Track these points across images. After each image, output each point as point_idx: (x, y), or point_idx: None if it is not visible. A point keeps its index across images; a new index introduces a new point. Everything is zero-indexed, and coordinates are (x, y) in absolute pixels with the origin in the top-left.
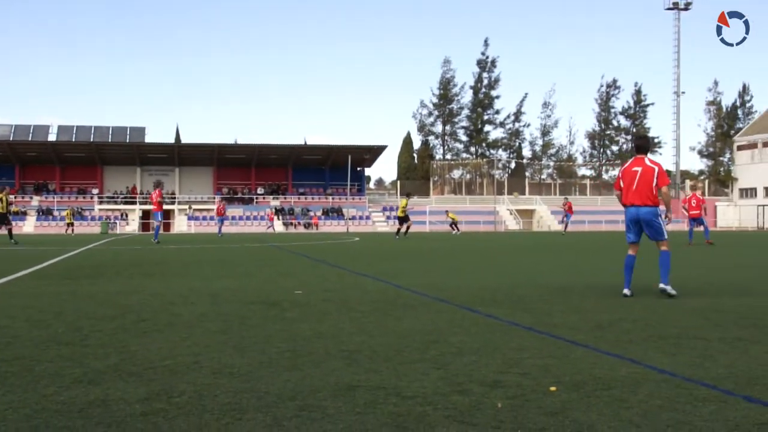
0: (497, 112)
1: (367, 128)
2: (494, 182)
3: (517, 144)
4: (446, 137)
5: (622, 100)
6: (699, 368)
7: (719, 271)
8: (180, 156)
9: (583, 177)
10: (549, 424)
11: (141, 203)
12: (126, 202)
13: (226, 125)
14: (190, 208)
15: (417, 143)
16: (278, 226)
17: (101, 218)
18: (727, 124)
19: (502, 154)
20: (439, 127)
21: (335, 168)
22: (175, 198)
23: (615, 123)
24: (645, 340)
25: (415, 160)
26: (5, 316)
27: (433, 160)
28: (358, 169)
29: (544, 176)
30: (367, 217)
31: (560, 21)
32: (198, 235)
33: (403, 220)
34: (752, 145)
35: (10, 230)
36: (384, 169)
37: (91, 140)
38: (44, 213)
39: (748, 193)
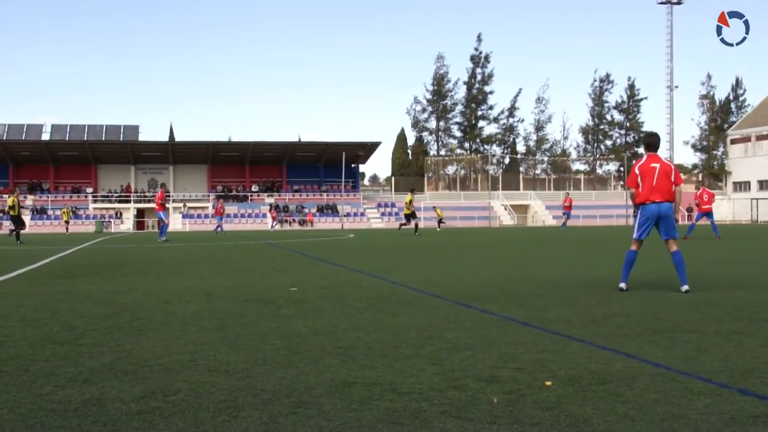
0: (491, 107)
1: (361, 125)
2: (488, 178)
3: (511, 139)
4: (440, 133)
5: (615, 95)
6: (694, 362)
7: (713, 265)
8: (174, 154)
9: (577, 172)
10: (545, 419)
11: (135, 202)
12: (120, 201)
13: (220, 123)
14: (184, 206)
15: (411, 139)
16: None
17: (95, 217)
18: (721, 117)
19: (496, 150)
20: (433, 123)
21: (330, 165)
22: (169, 196)
23: (608, 117)
24: (640, 334)
25: (410, 156)
26: (0, 316)
27: (428, 156)
28: (353, 165)
29: (538, 171)
30: (362, 214)
31: (553, 16)
32: (192, 233)
33: (411, 216)
34: (745, 139)
35: (18, 231)
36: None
37: (85, 139)
38: (38, 212)
39: (742, 186)
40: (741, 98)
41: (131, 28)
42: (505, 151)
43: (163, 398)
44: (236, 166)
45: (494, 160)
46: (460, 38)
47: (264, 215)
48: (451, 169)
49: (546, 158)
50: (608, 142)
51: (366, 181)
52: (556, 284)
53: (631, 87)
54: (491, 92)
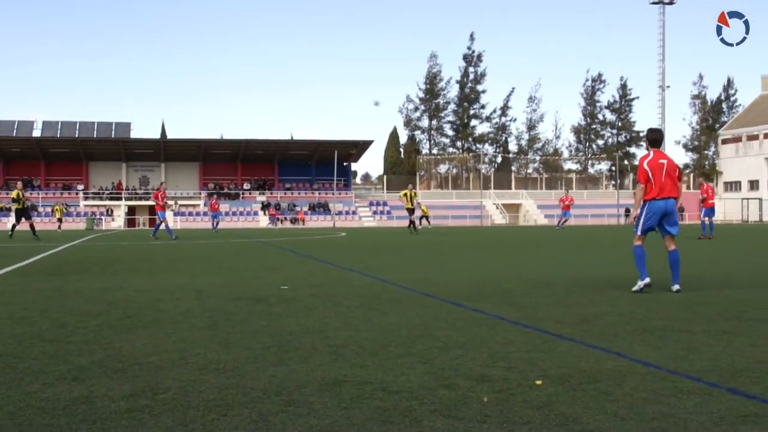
0: (483, 106)
1: (354, 123)
2: (480, 177)
3: (504, 138)
4: (432, 132)
5: (607, 95)
6: (684, 361)
7: (704, 264)
8: (166, 151)
9: (569, 171)
10: (535, 418)
11: (127, 199)
12: (111, 198)
13: (212, 121)
14: (175, 203)
15: (403, 138)
16: (264, 221)
17: (86, 214)
18: (712, 117)
19: (488, 149)
20: (425, 122)
21: (322, 163)
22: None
23: (600, 117)
24: (630, 333)
25: (402, 155)
26: None
27: (420, 155)
28: (345, 164)
29: (530, 170)
30: (354, 212)
31: (546, 15)
32: (184, 231)
33: (413, 211)
34: (737, 139)
35: (32, 225)
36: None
37: (76, 136)
38: (29, 209)
39: (733, 186)
40: (732, 98)
41: (123, 25)
42: (497, 150)
43: (152, 396)
44: (228, 163)
45: (486, 159)
46: (453, 37)
47: (256, 213)
48: (443, 168)
49: (538, 157)
50: (600, 142)
51: (358, 180)
52: (547, 283)
53: (623, 87)
54: (484, 91)
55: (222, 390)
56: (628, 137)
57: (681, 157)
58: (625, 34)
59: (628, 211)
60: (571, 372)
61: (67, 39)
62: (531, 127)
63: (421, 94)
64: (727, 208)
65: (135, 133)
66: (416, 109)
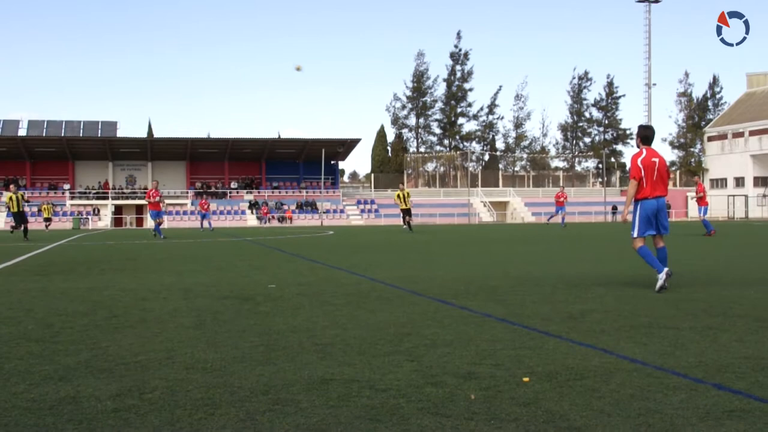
0: (470, 104)
1: (341, 121)
2: (468, 174)
3: (491, 136)
4: (420, 130)
5: (594, 92)
6: (670, 357)
7: (690, 261)
8: (153, 150)
9: (556, 169)
10: (522, 415)
11: (113, 198)
12: (98, 197)
13: (199, 119)
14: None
15: (391, 136)
16: (252, 220)
17: (73, 213)
18: (698, 115)
19: (475, 147)
20: (412, 120)
21: (309, 161)
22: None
23: (587, 115)
24: (617, 330)
25: (389, 153)
26: None
27: (407, 153)
28: (332, 162)
29: (517, 168)
30: (341, 211)
31: (533, 13)
32: (171, 230)
33: (409, 212)
34: (722, 136)
35: (25, 228)
36: (358, 163)
37: (62, 135)
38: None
39: (719, 183)
40: (718, 96)
41: (109, 23)
42: (485, 148)
43: (139, 396)
44: (215, 162)
45: (474, 157)
46: (440, 35)
47: (243, 212)
48: (430, 166)
49: (525, 155)
50: (587, 140)
51: (345, 178)
52: (534, 281)
53: (610, 84)
54: (471, 89)
55: (209, 389)
56: (614, 135)
57: (667, 154)
58: (612, 32)
59: (615, 208)
60: (558, 369)
61: (53, 38)
62: (518, 125)
63: (409, 93)
64: (713, 205)
65: (121, 132)
66: (403, 107)
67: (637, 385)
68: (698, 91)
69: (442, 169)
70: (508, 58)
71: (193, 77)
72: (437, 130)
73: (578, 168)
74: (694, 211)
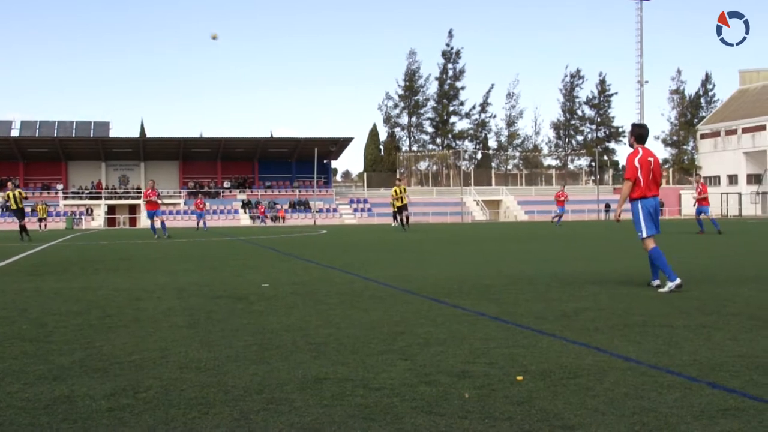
0: (462, 103)
1: (334, 120)
2: (461, 173)
3: (483, 135)
4: (412, 129)
5: (586, 90)
6: (664, 355)
7: (684, 259)
8: (145, 150)
9: (549, 167)
10: (516, 413)
11: (106, 198)
12: (91, 197)
13: (191, 119)
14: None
15: (383, 135)
16: (245, 219)
17: (66, 214)
18: (691, 113)
19: (468, 145)
20: (405, 119)
21: (302, 161)
22: (140, 193)
23: (579, 113)
24: (611, 328)
25: (382, 152)
26: None
27: (400, 152)
28: (325, 161)
29: (510, 167)
30: (335, 210)
31: (524, 11)
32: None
33: (405, 208)
34: (715, 134)
35: (23, 226)
36: (350, 162)
37: (55, 135)
38: (7, 209)
39: (712, 181)
40: (710, 93)
41: (101, 23)
42: (477, 147)
43: (133, 395)
44: (208, 162)
45: (466, 156)
46: (432, 34)
47: (236, 211)
48: (423, 165)
49: (518, 154)
50: (579, 138)
51: (338, 177)
52: (527, 279)
53: (602, 82)
54: (463, 88)
55: (203, 388)
56: (607, 133)
57: (660, 152)
58: (604, 29)
59: (608, 206)
60: (552, 367)
61: (45, 38)
62: (510, 123)
63: (401, 91)
64: None
65: (114, 132)
66: (396, 106)
67: (631, 383)
68: (691, 89)
69: (434, 167)
70: (500, 57)
71: (186, 77)
72: (429, 129)
73: (571, 166)
74: (687, 209)
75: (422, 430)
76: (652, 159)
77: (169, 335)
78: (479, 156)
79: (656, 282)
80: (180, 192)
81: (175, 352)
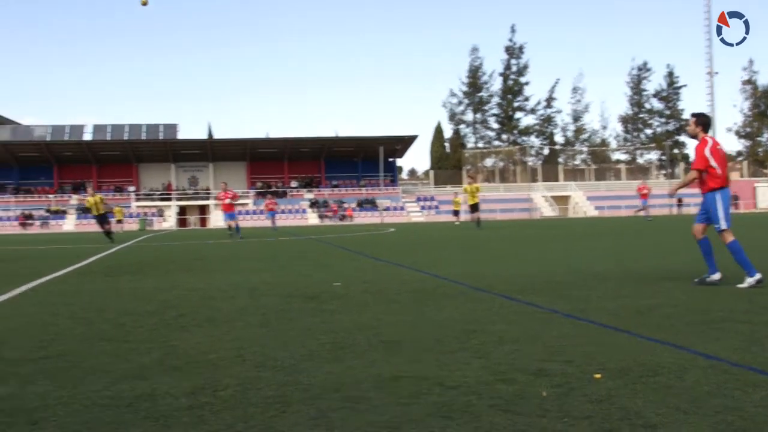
0: (527, 98)
1: (398, 119)
2: (528, 169)
3: (549, 130)
4: (477, 125)
5: (654, 83)
6: (746, 353)
7: (760, 254)
8: (213, 151)
9: (618, 161)
10: (595, 412)
11: (177, 199)
12: (162, 199)
13: (257, 120)
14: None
15: (448, 132)
16: (313, 218)
17: (138, 215)
18: (764, 103)
19: (534, 141)
20: (469, 116)
21: (367, 159)
22: (209, 193)
23: (648, 106)
24: (687, 325)
25: (447, 150)
26: (49, 313)
27: (465, 149)
28: (390, 159)
29: (577, 162)
30: (401, 208)
31: (587, 4)
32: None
33: (477, 207)
34: None
35: (108, 230)
36: (416, 160)
37: (126, 138)
38: (83, 211)
39: None
40: None
41: (168, 27)
42: (544, 142)
43: (212, 394)
44: (275, 162)
45: (533, 152)
46: (495, 30)
47: (304, 211)
48: (489, 162)
49: (585, 148)
50: (648, 131)
51: (404, 175)
52: (598, 276)
53: (670, 74)
54: (527, 83)
55: (280, 387)
56: (677, 126)
57: (733, 143)
58: (670, 20)
59: (680, 201)
60: (630, 365)
61: (115, 43)
62: (576, 118)
63: (465, 88)
64: None
65: (182, 134)
66: (460, 103)
67: (713, 381)
68: (764, 79)
69: (501, 164)
70: (564, 51)
71: (251, 78)
72: (495, 125)
73: (640, 160)
74: (762, 202)
75: (500, 428)
76: (720, 148)
77: (244, 334)
78: (546, 151)
79: (716, 276)
80: (248, 192)
81: (250, 351)
